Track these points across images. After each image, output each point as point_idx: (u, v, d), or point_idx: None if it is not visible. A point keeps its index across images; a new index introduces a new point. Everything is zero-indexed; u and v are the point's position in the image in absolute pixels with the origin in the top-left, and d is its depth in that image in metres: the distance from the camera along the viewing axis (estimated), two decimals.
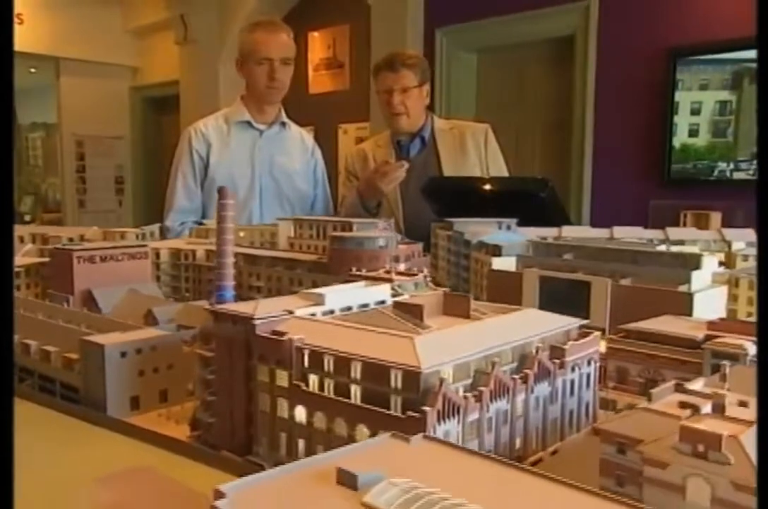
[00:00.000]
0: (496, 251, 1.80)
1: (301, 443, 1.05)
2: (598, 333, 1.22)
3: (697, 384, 1.01)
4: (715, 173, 4.88)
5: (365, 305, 1.24)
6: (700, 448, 0.80)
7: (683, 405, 0.93)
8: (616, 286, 1.55)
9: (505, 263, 1.77)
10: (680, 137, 4.99)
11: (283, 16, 7.21)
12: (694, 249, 1.87)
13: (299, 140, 3.76)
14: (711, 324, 1.26)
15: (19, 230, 2.43)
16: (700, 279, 1.53)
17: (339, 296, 1.21)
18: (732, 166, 4.79)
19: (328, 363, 1.01)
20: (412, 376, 0.92)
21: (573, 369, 1.14)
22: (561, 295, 1.63)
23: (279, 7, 7.49)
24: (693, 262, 1.56)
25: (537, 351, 1.07)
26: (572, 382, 1.15)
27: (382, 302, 1.28)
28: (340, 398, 0.99)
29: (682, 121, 4.98)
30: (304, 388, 1.03)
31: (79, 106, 9.09)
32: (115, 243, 2.04)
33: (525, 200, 2.58)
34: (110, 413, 1.30)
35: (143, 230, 2.43)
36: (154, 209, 7.47)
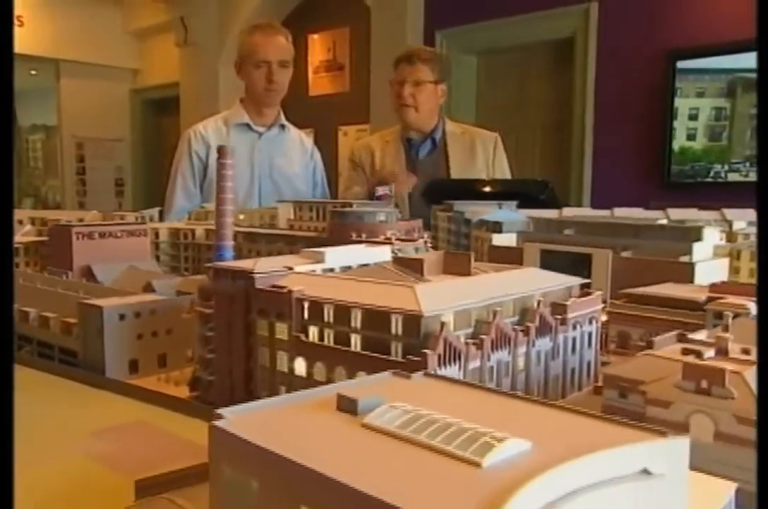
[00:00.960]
0: (497, 227, 1.80)
1: None
2: (599, 292, 1.21)
3: (700, 335, 1.01)
4: (711, 174, 5.01)
5: (365, 265, 1.23)
6: (704, 385, 0.80)
7: (686, 351, 0.93)
8: (617, 258, 1.55)
9: (505, 239, 1.76)
10: (679, 140, 5.09)
11: (283, 18, 7.23)
12: None
13: (298, 142, 3.77)
14: (713, 286, 1.26)
15: (18, 213, 2.43)
16: (701, 250, 1.52)
17: (339, 254, 1.21)
18: (727, 167, 4.94)
19: (328, 313, 1.00)
20: (413, 320, 0.92)
21: (575, 327, 1.14)
22: (562, 269, 1.62)
23: (279, 9, 7.51)
24: (694, 234, 1.56)
25: (539, 305, 1.07)
26: (574, 340, 1.14)
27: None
28: (340, 346, 0.98)
29: (680, 125, 5.11)
30: (304, 339, 1.03)
31: (79, 109, 9.09)
32: (114, 221, 2.04)
33: (525, 202, 2.58)
34: (109, 376, 1.30)
35: (143, 214, 2.43)
36: None
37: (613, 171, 5.49)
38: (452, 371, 0.93)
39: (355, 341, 0.98)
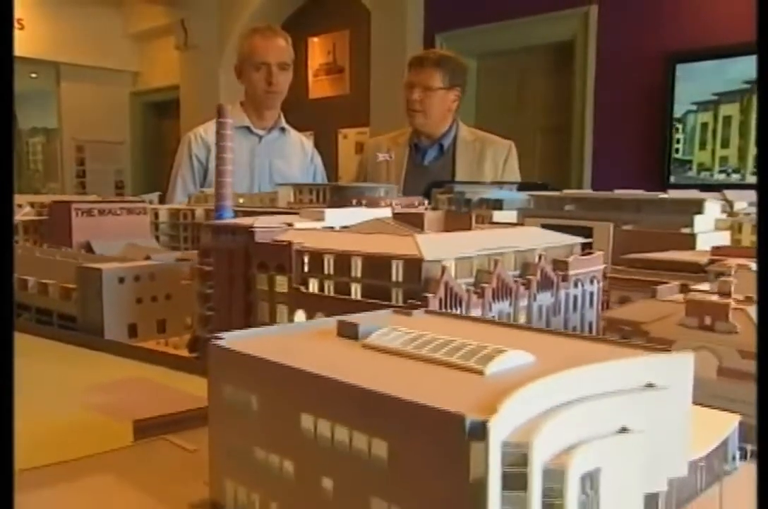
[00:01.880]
0: (497, 205, 1.79)
1: None
2: (601, 252, 1.20)
3: (703, 286, 1.01)
4: (710, 177, 5.02)
5: None
6: (707, 321, 0.79)
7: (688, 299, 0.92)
8: (618, 231, 1.54)
9: (506, 216, 1.76)
10: (678, 143, 5.10)
11: (283, 21, 7.26)
12: None
13: (299, 145, 3.77)
14: (715, 249, 1.25)
15: (18, 199, 2.42)
16: (702, 222, 1.52)
17: (339, 213, 1.20)
18: (727, 170, 4.97)
19: (328, 264, 1.00)
20: (413, 265, 0.91)
21: (576, 285, 1.13)
22: None
23: (279, 12, 7.54)
24: (696, 207, 1.55)
25: (540, 259, 1.06)
26: (575, 298, 1.13)
27: None
28: (339, 295, 0.98)
29: (679, 127, 5.12)
30: (304, 290, 1.02)
31: (79, 111, 9.11)
32: (113, 198, 2.03)
33: None
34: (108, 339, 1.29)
35: (143, 198, 2.43)
36: None
37: (613, 173, 5.49)
38: None
39: (356, 291, 0.97)
